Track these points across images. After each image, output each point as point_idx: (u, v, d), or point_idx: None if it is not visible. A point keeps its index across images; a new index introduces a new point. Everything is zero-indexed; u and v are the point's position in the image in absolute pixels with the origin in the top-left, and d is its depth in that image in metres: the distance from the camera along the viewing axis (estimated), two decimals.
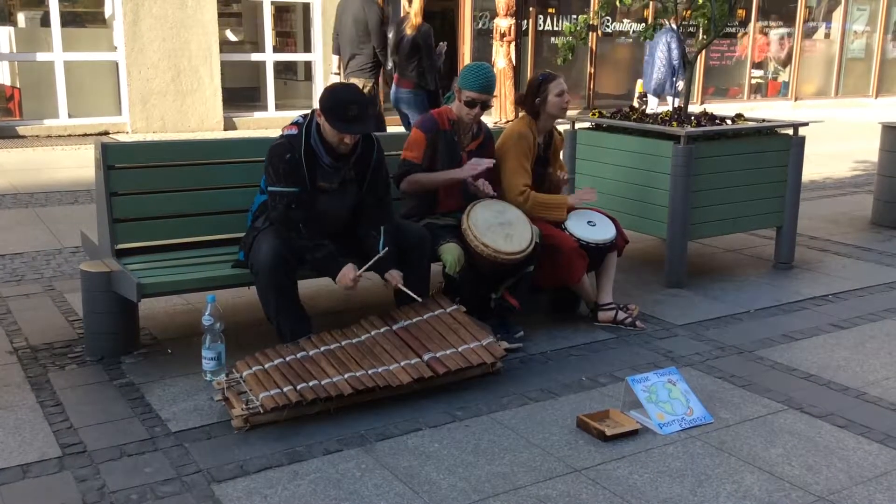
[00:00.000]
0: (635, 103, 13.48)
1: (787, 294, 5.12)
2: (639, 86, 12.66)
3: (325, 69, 12.23)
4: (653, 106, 10.95)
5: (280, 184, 3.65)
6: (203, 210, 4.22)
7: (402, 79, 8.01)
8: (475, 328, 3.76)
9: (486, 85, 4.15)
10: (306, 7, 12.43)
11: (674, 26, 10.01)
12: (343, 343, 3.58)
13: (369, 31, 7.84)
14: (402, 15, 8.39)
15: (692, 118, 5.29)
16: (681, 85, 10.22)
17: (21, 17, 11.63)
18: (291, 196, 3.65)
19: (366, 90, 7.72)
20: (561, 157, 4.83)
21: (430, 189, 4.19)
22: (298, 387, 3.29)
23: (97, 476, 2.91)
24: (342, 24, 8.07)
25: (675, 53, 10.23)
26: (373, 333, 3.65)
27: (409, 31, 7.85)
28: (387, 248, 3.74)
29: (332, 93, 3.65)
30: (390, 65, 7.92)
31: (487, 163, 4.08)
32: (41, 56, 10.84)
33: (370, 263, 3.71)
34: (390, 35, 7.94)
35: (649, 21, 8.70)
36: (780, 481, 2.98)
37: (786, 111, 16.22)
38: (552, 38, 14.25)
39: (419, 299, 3.77)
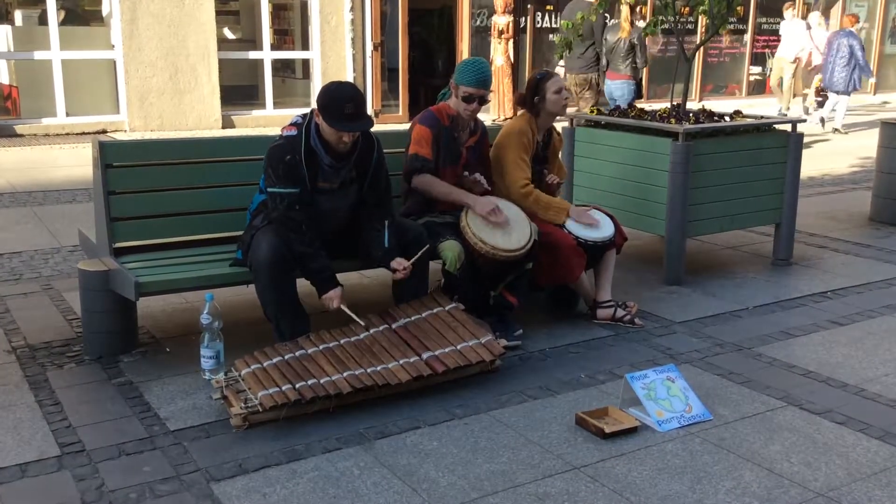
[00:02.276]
0: (812, 98, 14.18)
1: (785, 291, 5.12)
2: (816, 80, 13.80)
3: (324, 67, 12.24)
4: (833, 101, 12.38)
5: (280, 184, 3.64)
6: (201, 208, 4.22)
7: (617, 73, 9.13)
8: (474, 326, 3.76)
9: (482, 79, 4.14)
10: (304, 5, 12.41)
11: (853, 29, 10.94)
12: (342, 341, 3.57)
13: (592, 32, 9.19)
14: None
15: (690, 115, 5.29)
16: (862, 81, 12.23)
17: (18, 16, 11.62)
18: (292, 196, 3.64)
19: (592, 81, 9.35)
20: (560, 157, 4.82)
21: (438, 197, 4.16)
22: (297, 385, 3.29)
23: (96, 475, 2.91)
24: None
25: (859, 54, 11.81)
26: (371, 332, 3.65)
27: (623, 35, 9.05)
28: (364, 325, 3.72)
29: (328, 92, 3.64)
30: (604, 61, 9.22)
31: (504, 218, 4.03)
32: (39, 55, 10.83)
33: (353, 315, 3.67)
34: (606, 37, 9.25)
35: (648, 18, 8.85)
36: (779, 478, 2.98)
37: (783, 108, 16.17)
38: (550, 35, 14.24)
39: (426, 246, 3.79)
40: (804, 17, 14.45)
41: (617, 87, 9.22)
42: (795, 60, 13.33)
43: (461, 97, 4.14)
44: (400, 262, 3.78)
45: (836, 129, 12.44)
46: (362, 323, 3.67)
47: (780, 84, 13.61)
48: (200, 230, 4.25)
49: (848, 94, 12.19)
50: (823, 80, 12.48)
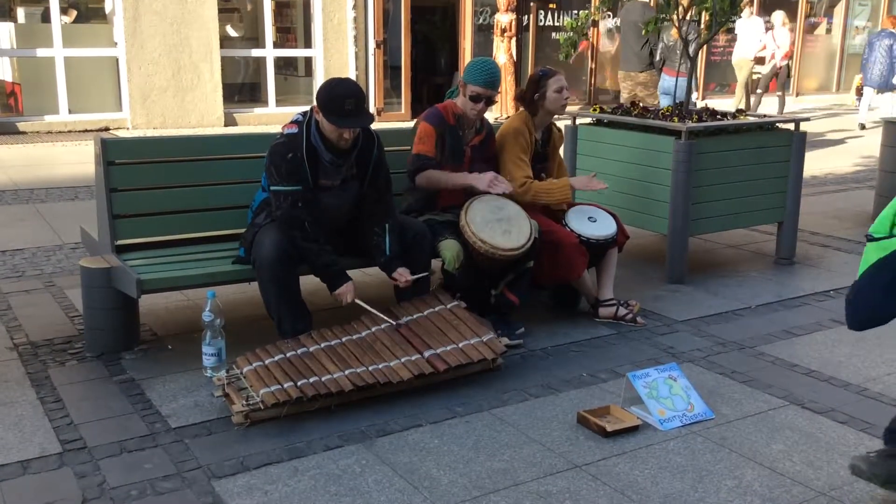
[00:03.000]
0: (854, 96, 14.99)
1: (788, 290, 5.12)
2: (857, 80, 14.44)
3: (326, 65, 12.23)
4: (869, 98, 12.91)
5: (283, 183, 3.64)
6: (203, 206, 4.22)
7: (674, 69, 9.23)
8: (475, 324, 3.76)
9: (491, 80, 4.14)
10: (306, 2, 12.41)
11: (893, 30, 11.33)
12: (343, 339, 3.57)
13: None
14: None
15: (693, 114, 5.28)
16: None
17: (21, 13, 11.62)
18: (295, 194, 3.64)
19: (649, 80, 9.47)
20: (561, 153, 4.81)
21: (445, 188, 4.17)
22: (299, 383, 3.29)
23: (97, 472, 2.91)
24: (626, 27, 9.62)
25: None
26: (373, 330, 3.65)
27: (675, 34, 9.20)
28: (397, 321, 3.74)
29: (328, 88, 3.64)
30: (658, 56, 9.47)
31: (507, 187, 4.05)
32: (41, 52, 10.83)
33: (369, 308, 3.69)
34: (663, 36, 9.51)
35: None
36: (781, 477, 2.98)
37: (787, 106, 16.15)
38: (553, 34, 14.22)
39: (427, 272, 3.78)
40: (809, 16, 14.40)
41: (677, 83, 9.32)
42: (757, 60, 12.92)
43: (469, 96, 4.15)
44: (402, 274, 3.79)
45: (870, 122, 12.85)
46: (383, 316, 3.69)
47: (757, 84, 13.25)
48: (203, 227, 4.25)
49: (891, 90, 12.65)
50: (864, 79, 12.80)
